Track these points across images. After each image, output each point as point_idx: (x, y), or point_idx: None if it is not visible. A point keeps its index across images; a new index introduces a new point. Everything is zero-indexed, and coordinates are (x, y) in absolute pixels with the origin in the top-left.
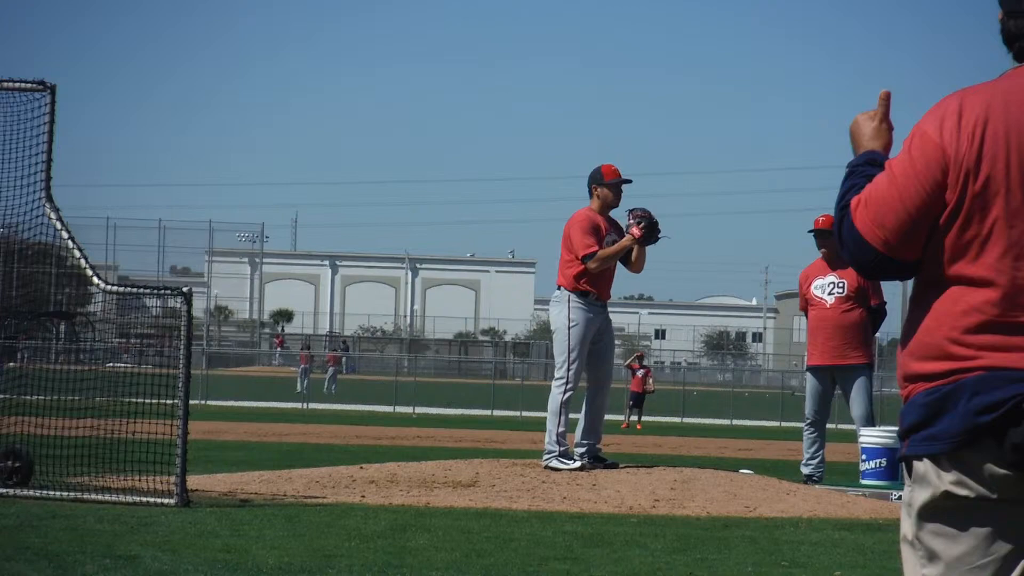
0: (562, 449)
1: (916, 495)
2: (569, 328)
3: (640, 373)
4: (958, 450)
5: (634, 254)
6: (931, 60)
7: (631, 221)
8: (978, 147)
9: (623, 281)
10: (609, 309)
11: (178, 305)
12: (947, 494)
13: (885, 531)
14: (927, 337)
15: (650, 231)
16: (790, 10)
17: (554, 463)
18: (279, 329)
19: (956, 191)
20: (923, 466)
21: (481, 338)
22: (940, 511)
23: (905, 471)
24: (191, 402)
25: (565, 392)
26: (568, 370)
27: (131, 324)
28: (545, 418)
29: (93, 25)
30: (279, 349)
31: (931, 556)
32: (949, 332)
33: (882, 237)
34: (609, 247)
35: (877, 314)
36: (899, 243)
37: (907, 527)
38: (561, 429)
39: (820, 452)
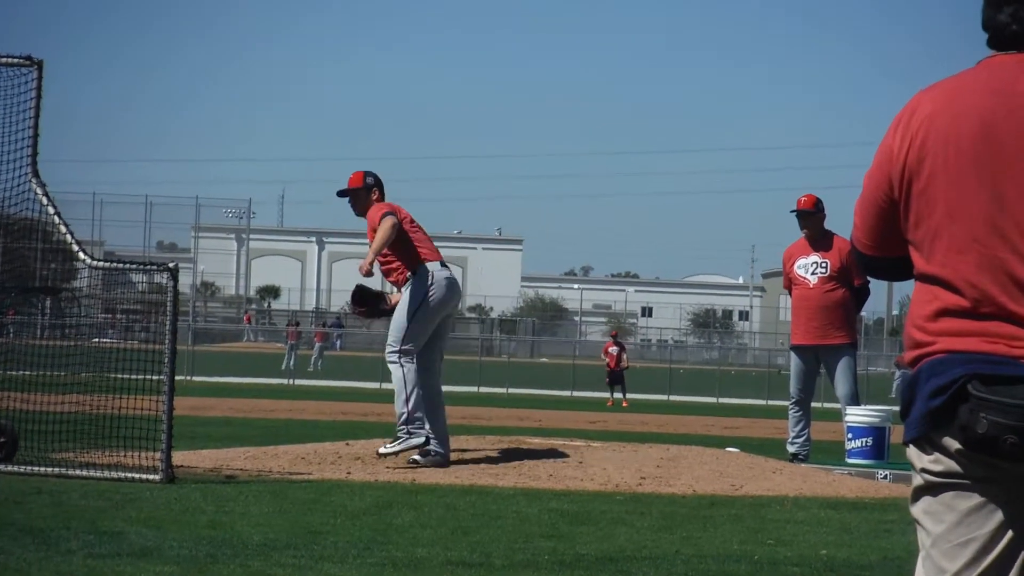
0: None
1: (912, 478)
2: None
3: (614, 350)
4: (927, 434)
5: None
6: (929, 36)
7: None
8: (920, 146)
9: (609, 259)
10: (596, 286)
11: (164, 281)
12: (927, 473)
13: (871, 510)
14: (906, 328)
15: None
16: None
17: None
18: (265, 305)
19: (902, 191)
20: (910, 451)
21: (468, 315)
22: (926, 491)
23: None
24: (177, 378)
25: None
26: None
27: (117, 300)
28: (530, 396)
29: (85, 2)
30: (248, 326)
31: (923, 535)
32: (915, 321)
33: (856, 236)
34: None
35: (861, 293)
36: (871, 242)
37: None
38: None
39: (806, 431)
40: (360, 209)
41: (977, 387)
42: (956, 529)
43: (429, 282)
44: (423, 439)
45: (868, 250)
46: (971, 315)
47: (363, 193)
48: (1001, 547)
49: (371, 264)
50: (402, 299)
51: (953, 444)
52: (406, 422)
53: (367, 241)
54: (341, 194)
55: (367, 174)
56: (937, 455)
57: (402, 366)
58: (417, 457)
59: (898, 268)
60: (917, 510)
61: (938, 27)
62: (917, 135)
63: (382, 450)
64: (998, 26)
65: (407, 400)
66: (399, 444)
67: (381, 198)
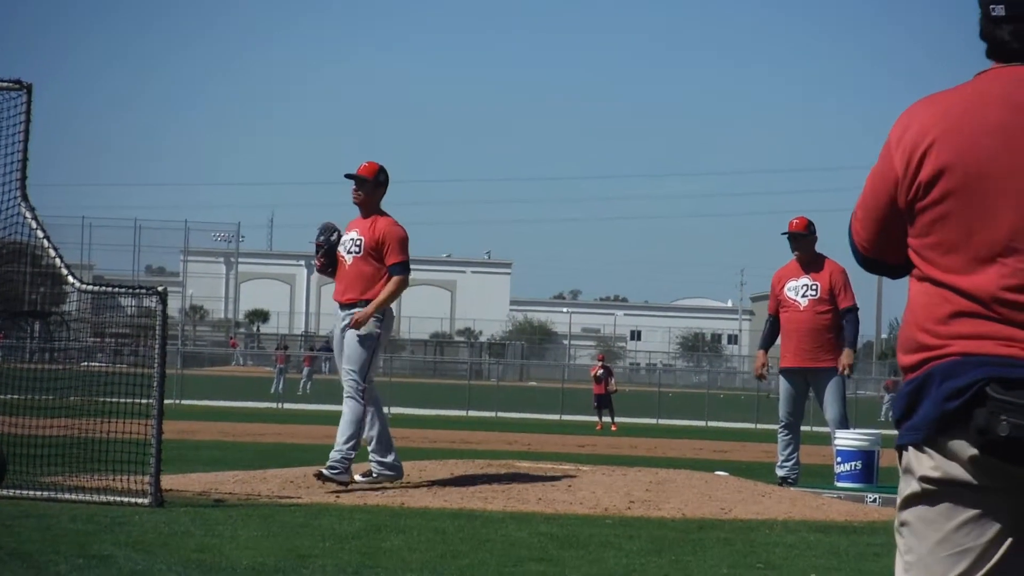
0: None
1: (904, 484)
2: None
3: (600, 373)
4: (935, 437)
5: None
6: (920, 57)
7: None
8: (934, 162)
9: (598, 282)
10: (585, 309)
11: (153, 304)
12: (927, 479)
13: (860, 533)
14: (906, 331)
15: None
16: (767, 10)
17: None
18: (254, 329)
19: (912, 205)
20: (908, 455)
21: (457, 338)
22: (922, 497)
23: (898, 461)
24: (166, 401)
25: None
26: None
27: (106, 323)
28: (519, 419)
29: (71, 25)
30: (235, 350)
31: (914, 542)
32: (922, 324)
33: (859, 240)
34: (383, 303)
35: (850, 314)
36: (874, 247)
37: (897, 514)
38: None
39: (795, 454)
40: (360, 199)
41: (997, 390)
42: (952, 538)
43: (383, 317)
44: (346, 480)
45: (870, 253)
46: (986, 320)
47: (370, 186)
48: (997, 558)
49: (367, 319)
50: (358, 334)
51: (965, 450)
52: (341, 459)
53: (358, 237)
54: (349, 177)
55: (381, 170)
56: (939, 461)
57: (362, 404)
58: (359, 477)
59: (896, 270)
60: (909, 516)
61: (929, 49)
62: (931, 151)
63: (323, 471)
64: (999, 42)
65: (353, 446)
66: (329, 472)
67: (381, 197)
